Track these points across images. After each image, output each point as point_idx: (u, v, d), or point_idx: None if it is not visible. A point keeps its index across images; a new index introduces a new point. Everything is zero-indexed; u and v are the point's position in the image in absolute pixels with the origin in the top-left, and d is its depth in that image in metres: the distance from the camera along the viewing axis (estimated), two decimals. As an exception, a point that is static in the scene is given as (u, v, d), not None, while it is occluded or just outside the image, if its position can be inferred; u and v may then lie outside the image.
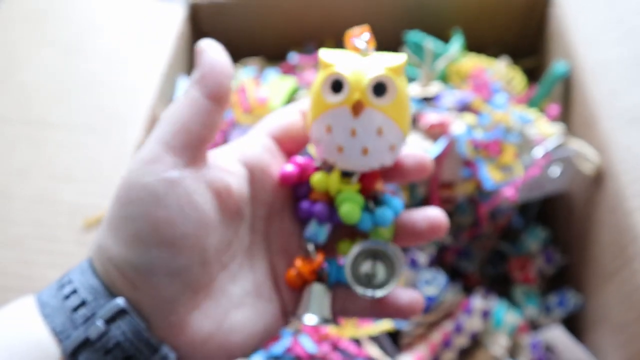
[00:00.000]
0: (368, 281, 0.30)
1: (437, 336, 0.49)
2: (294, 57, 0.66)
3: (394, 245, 0.30)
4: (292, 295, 0.31)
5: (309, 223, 0.30)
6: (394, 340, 0.50)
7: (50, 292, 0.27)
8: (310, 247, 0.30)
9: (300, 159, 0.31)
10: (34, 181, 0.52)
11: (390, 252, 0.29)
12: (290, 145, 0.31)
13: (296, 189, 0.31)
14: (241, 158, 0.30)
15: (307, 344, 0.43)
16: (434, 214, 0.30)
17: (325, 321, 0.29)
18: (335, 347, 0.45)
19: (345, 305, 0.31)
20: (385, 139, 0.28)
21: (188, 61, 0.69)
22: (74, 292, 0.26)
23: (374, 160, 0.28)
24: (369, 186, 0.30)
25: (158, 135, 0.27)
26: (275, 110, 0.56)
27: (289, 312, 0.31)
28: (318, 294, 0.29)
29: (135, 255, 0.26)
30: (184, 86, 0.65)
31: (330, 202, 0.30)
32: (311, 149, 0.32)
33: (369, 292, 0.29)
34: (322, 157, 0.29)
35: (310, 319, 0.29)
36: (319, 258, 0.30)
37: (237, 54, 0.72)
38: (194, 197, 0.26)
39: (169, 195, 0.26)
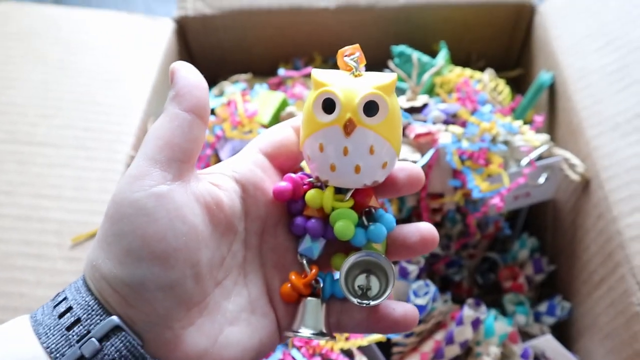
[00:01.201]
0: (362, 294, 0.30)
1: (428, 347, 0.49)
2: (282, 73, 0.66)
3: (386, 257, 0.30)
4: (287, 310, 0.31)
5: (303, 238, 0.31)
6: (386, 351, 0.50)
7: (44, 311, 0.27)
8: (304, 261, 0.30)
9: (294, 175, 0.31)
10: (21, 199, 0.52)
11: (382, 262, 0.29)
12: (284, 161, 0.31)
13: (290, 205, 0.31)
14: (233, 174, 0.30)
15: (298, 358, 0.43)
16: (425, 228, 0.30)
17: (320, 335, 0.29)
18: (327, 359, 0.45)
19: (340, 319, 0.31)
20: (377, 157, 0.28)
21: (176, 77, 0.70)
22: (69, 310, 0.26)
23: (366, 177, 0.28)
24: (362, 202, 0.30)
25: (144, 152, 0.27)
26: (264, 124, 0.57)
27: (283, 327, 0.31)
28: (313, 307, 0.30)
29: (127, 271, 0.26)
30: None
31: (324, 218, 0.30)
32: (305, 165, 0.32)
33: (364, 301, 0.29)
34: (315, 174, 0.30)
35: (305, 332, 0.29)
36: (313, 272, 0.30)
37: (225, 69, 0.73)
38: (184, 211, 0.27)
39: (158, 210, 0.26)
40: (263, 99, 0.59)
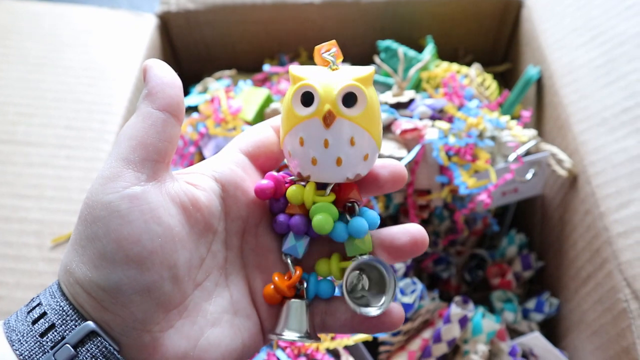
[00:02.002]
0: (353, 293, 0.29)
1: (415, 345, 0.49)
2: (267, 68, 0.66)
3: (388, 265, 0.29)
4: (270, 312, 0.30)
5: (286, 237, 0.30)
6: (373, 351, 0.50)
7: (18, 317, 0.26)
8: (288, 261, 0.30)
9: (275, 173, 0.30)
10: (0, 199, 0.51)
11: (383, 267, 0.29)
12: (265, 161, 0.31)
13: (272, 204, 0.31)
14: (213, 174, 0.29)
15: (283, 358, 0.43)
16: (415, 230, 0.30)
17: (305, 337, 0.29)
18: (313, 360, 0.44)
19: (324, 320, 0.30)
20: (358, 149, 0.28)
21: (160, 73, 0.68)
22: (43, 315, 0.26)
23: (348, 170, 0.28)
24: (344, 197, 0.29)
25: (116, 152, 0.26)
26: (248, 121, 0.56)
27: (267, 328, 0.30)
28: (297, 309, 0.29)
29: (102, 275, 0.25)
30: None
31: (307, 214, 0.29)
32: (286, 163, 0.31)
33: (371, 311, 0.28)
34: (296, 171, 0.29)
35: (289, 335, 0.28)
36: (297, 273, 0.29)
37: (210, 65, 0.72)
38: (159, 212, 0.26)
39: (132, 212, 0.25)
40: (247, 95, 0.58)
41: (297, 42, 0.71)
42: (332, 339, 0.45)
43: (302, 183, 0.30)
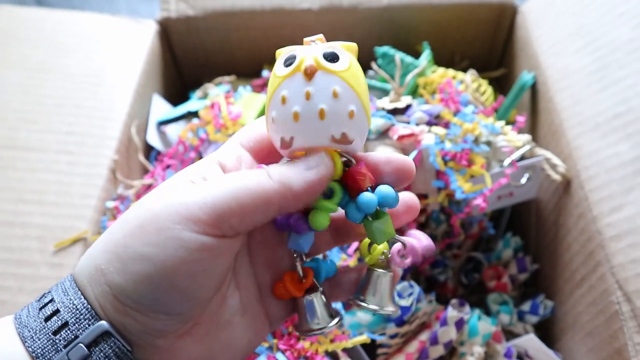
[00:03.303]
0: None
1: (413, 347, 0.50)
2: (267, 74, 0.66)
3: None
4: (278, 305, 0.30)
5: (290, 234, 0.30)
6: (370, 353, 0.50)
7: (29, 312, 0.26)
8: (297, 263, 0.30)
9: None
10: (2, 205, 0.51)
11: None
12: (265, 155, 0.31)
13: None
14: (222, 171, 0.29)
15: (283, 361, 0.43)
16: (408, 197, 0.31)
17: (330, 326, 0.29)
18: (312, 362, 0.45)
19: (332, 293, 0.31)
20: (341, 102, 0.27)
21: (160, 79, 0.69)
22: (56, 312, 0.25)
23: (333, 126, 0.27)
24: (357, 185, 0.28)
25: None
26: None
27: (273, 321, 0.30)
28: (314, 303, 0.29)
29: (141, 294, 0.25)
30: (159, 104, 0.65)
31: (307, 210, 0.29)
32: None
33: (390, 311, 0.29)
34: (279, 136, 0.28)
35: (315, 330, 0.29)
36: (308, 279, 0.29)
37: (209, 71, 0.73)
38: (221, 269, 0.26)
39: (199, 259, 0.25)
40: (247, 101, 0.59)
41: (295, 47, 0.72)
42: (331, 341, 0.46)
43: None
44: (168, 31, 0.70)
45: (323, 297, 0.29)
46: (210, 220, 0.25)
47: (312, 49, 0.28)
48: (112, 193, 0.55)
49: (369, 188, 0.28)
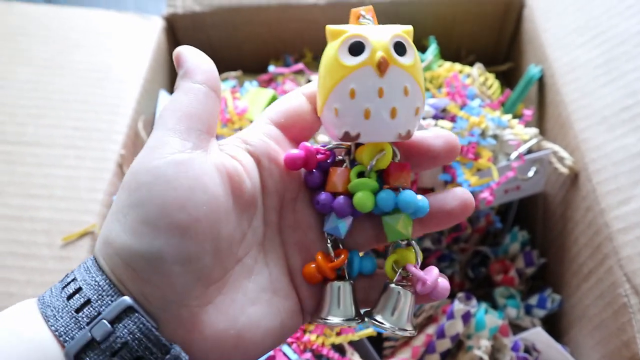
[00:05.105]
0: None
1: (419, 341, 0.50)
2: (273, 69, 0.66)
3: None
4: (310, 291, 0.29)
5: (328, 216, 0.29)
6: (377, 346, 0.50)
7: (52, 292, 0.26)
8: (328, 244, 0.29)
9: (308, 144, 0.29)
10: (10, 199, 0.52)
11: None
12: (298, 132, 0.30)
13: (306, 178, 0.29)
14: (246, 147, 0.28)
15: (290, 354, 0.44)
16: (462, 192, 0.29)
17: (350, 320, 0.28)
18: (318, 355, 0.45)
19: (368, 295, 0.30)
20: (411, 100, 0.26)
21: (166, 75, 0.70)
22: (78, 290, 0.25)
23: (401, 125, 0.26)
24: (393, 182, 0.28)
25: (162, 124, 0.26)
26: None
27: (306, 308, 0.29)
28: (341, 292, 0.28)
29: (144, 242, 0.24)
30: (166, 100, 0.65)
31: (349, 194, 0.28)
32: (320, 136, 0.30)
33: (407, 332, 0.28)
34: (343, 130, 0.27)
35: (334, 320, 0.28)
36: (342, 257, 0.28)
37: (216, 66, 0.73)
38: (204, 179, 0.25)
39: (178, 177, 0.25)
40: (253, 96, 0.59)
41: (302, 43, 0.72)
42: (338, 334, 0.46)
43: (345, 164, 0.29)
44: (174, 27, 0.70)
45: (352, 290, 0.28)
46: (182, 126, 0.26)
47: (380, 36, 0.26)
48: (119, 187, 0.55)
49: (400, 187, 0.28)
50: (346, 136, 0.27)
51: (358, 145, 0.29)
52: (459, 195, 0.29)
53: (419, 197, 0.28)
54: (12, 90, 0.60)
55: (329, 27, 0.27)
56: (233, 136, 0.29)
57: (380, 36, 0.26)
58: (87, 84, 0.61)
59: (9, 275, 0.48)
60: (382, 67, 0.25)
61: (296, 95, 0.30)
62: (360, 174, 0.28)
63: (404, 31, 0.27)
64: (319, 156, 0.29)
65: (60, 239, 0.50)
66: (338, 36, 0.27)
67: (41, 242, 0.50)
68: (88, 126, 0.58)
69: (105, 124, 0.58)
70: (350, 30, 0.27)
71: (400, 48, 0.26)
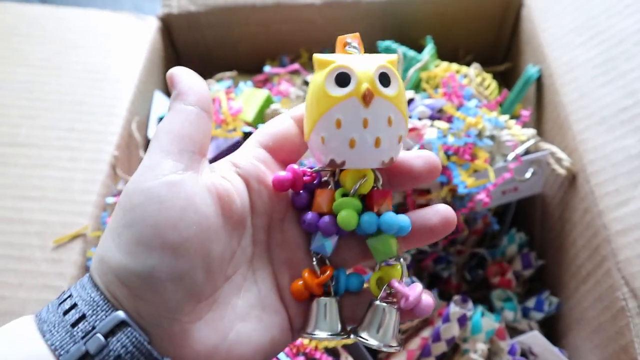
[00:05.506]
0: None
1: (415, 344, 0.49)
2: (268, 69, 0.66)
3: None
4: (299, 308, 0.30)
5: (314, 235, 0.30)
6: (372, 350, 0.50)
7: (49, 309, 0.27)
8: (314, 261, 0.30)
9: (295, 166, 0.30)
10: (3, 201, 0.51)
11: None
12: (286, 155, 0.31)
13: (294, 198, 0.31)
14: (236, 170, 0.30)
15: (282, 357, 0.43)
16: (444, 209, 0.30)
17: (336, 335, 0.28)
18: (312, 359, 0.45)
19: (355, 312, 0.30)
20: (395, 129, 0.28)
21: (161, 75, 0.69)
22: (73, 306, 0.26)
23: (385, 153, 0.28)
24: (375, 206, 0.29)
25: (155, 145, 0.27)
26: (248, 122, 0.56)
27: (296, 324, 0.30)
28: (327, 308, 0.29)
29: (137, 261, 0.25)
30: (160, 101, 0.65)
31: (334, 214, 0.29)
32: (307, 157, 0.31)
33: (393, 348, 0.28)
34: (329, 158, 0.28)
35: (320, 335, 0.28)
36: (327, 273, 0.29)
37: (211, 67, 0.73)
38: (195, 200, 0.26)
39: (171, 198, 0.26)
40: (247, 96, 0.59)
41: (297, 43, 0.71)
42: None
43: (330, 186, 0.30)
44: (170, 27, 0.69)
45: (337, 306, 0.29)
46: (174, 148, 0.27)
47: (365, 68, 0.27)
48: (113, 189, 0.54)
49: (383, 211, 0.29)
50: (332, 163, 0.28)
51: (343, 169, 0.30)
52: (440, 212, 0.30)
53: (401, 216, 0.29)
54: (5, 91, 0.59)
55: (316, 57, 0.28)
56: (223, 160, 0.30)
57: (366, 67, 0.27)
58: (81, 84, 0.61)
59: (1, 278, 0.47)
60: (367, 98, 0.27)
61: (284, 118, 0.31)
62: (345, 195, 0.29)
63: (388, 61, 0.28)
64: (305, 178, 0.30)
65: (52, 241, 0.49)
66: (325, 66, 0.28)
67: (34, 244, 0.49)
68: (82, 127, 0.57)
69: (99, 125, 0.58)
70: (337, 61, 0.28)
71: (384, 79, 0.27)
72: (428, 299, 0.29)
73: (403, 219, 0.29)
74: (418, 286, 0.29)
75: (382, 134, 0.27)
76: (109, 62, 0.63)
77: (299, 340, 0.44)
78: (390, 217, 0.28)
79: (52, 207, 0.51)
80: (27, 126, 0.57)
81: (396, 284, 0.29)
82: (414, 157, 0.30)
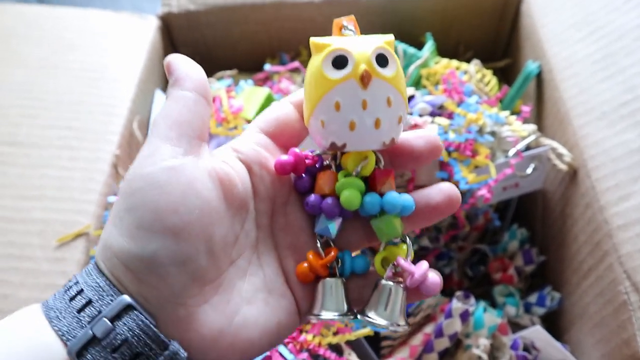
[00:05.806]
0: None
1: (417, 340, 0.49)
2: (268, 68, 0.66)
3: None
4: (305, 291, 0.30)
5: (318, 218, 0.30)
6: (375, 346, 0.50)
7: (56, 297, 0.27)
8: (318, 244, 0.30)
9: (297, 150, 0.30)
10: (4, 200, 0.51)
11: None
12: (286, 139, 0.31)
13: (296, 182, 0.31)
14: (238, 156, 0.30)
15: (286, 354, 0.43)
16: (448, 187, 0.30)
17: (342, 316, 0.28)
18: (315, 355, 0.45)
19: (362, 294, 0.30)
20: (394, 110, 0.27)
21: (162, 74, 0.69)
22: (80, 292, 0.26)
23: (385, 134, 0.28)
24: (378, 187, 0.29)
25: (154, 132, 0.27)
26: (249, 120, 0.56)
27: (302, 308, 0.30)
28: (332, 288, 0.29)
29: (140, 245, 0.25)
30: (161, 100, 0.65)
31: (337, 196, 0.29)
32: (308, 141, 0.31)
33: (401, 327, 0.28)
34: (330, 141, 0.28)
35: (327, 315, 0.28)
36: (332, 253, 0.29)
37: (211, 65, 0.72)
38: (196, 184, 0.27)
39: (171, 183, 0.26)
40: (248, 94, 0.59)
41: (297, 41, 0.71)
42: (335, 334, 0.46)
43: (332, 168, 0.30)
44: (169, 26, 0.69)
45: (344, 286, 0.29)
46: (173, 134, 0.27)
47: (362, 49, 0.27)
48: (114, 188, 0.54)
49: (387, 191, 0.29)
50: (333, 146, 0.28)
51: (344, 152, 0.29)
52: (444, 190, 0.30)
53: (404, 196, 0.29)
54: (5, 91, 0.59)
55: (313, 40, 0.28)
56: (225, 146, 0.31)
57: (363, 49, 0.27)
58: (81, 84, 0.61)
59: (3, 277, 0.47)
60: (365, 80, 0.27)
61: (284, 104, 0.31)
62: (347, 176, 0.29)
63: (385, 42, 0.28)
64: (307, 161, 0.30)
65: (54, 240, 0.49)
66: (322, 49, 0.28)
67: (35, 243, 0.49)
68: (82, 127, 0.57)
69: (100, 124, 0.58)
70: (334, 44, 0.27)
71: (382, 60, 0.27)
72: (434, 277, 0.28)
73: (406, 199, 0.29)
74: (424, 263, 0.28)
75: (382, 115, 0.27)
76: (109, 62, 0.63)
77: (303, 337, 0.44)
78: (393, 197, 0.28)
79: (53, 206, 0.51)
80: (27, 126, 0.57)
81: (402, 261, 0.28)
82: (415, 137, 0.30)
